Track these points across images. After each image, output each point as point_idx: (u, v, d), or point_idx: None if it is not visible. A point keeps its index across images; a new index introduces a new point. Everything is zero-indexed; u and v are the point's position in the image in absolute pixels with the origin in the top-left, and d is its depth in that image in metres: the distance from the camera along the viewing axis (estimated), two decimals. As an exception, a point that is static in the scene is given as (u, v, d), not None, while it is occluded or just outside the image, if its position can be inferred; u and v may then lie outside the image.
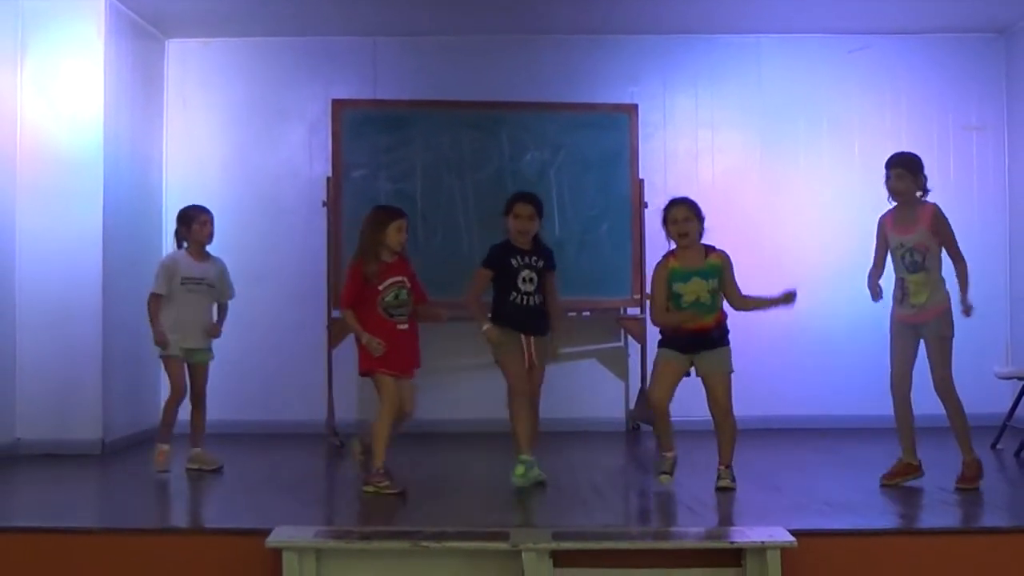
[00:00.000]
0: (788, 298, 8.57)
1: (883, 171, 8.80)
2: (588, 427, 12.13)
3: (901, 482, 8.67)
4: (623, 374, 12.48)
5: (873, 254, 8.91)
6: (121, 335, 11.15)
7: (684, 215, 8.61)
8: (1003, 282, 12.59)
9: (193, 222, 9.61)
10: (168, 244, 12.00)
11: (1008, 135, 12.72)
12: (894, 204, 8.81)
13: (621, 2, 11.64)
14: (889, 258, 8.88)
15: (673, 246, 8.72)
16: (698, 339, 8.59)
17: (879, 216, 8.91)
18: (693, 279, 8.56)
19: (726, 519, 7.80)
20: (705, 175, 12.72)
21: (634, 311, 12.06)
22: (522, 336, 8.81)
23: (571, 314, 11.95)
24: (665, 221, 8.72)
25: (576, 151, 12.04)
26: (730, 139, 12.83)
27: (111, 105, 11.07)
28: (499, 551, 6.67)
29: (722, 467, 8.62)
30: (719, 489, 8.48)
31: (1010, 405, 10.97)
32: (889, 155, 8.91)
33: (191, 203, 9.80)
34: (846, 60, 12.78)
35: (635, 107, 12.26)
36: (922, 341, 8.74)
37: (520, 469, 8.70)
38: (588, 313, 12.16)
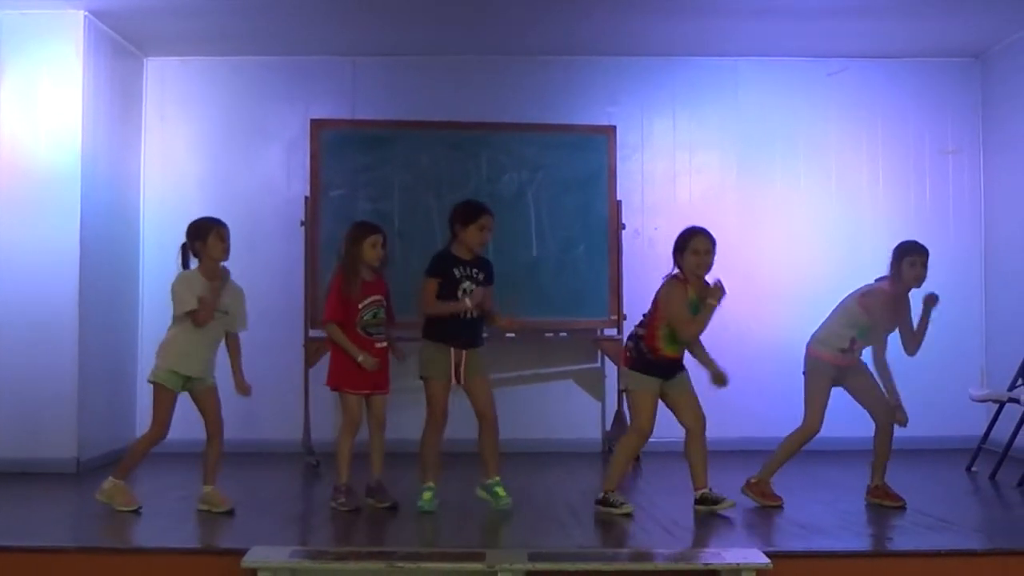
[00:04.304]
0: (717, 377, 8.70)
1: (898, 252, 8.96)
2: (564, 448, 12.13)
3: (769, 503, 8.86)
4: (600, 395, 12.44)
5: (877, 330, 8.92)
6: (97, 352, 11.17)
7: (707, 248, 8.64)
8: (978, 305, 12.68)
9: (209, 235, 8.60)
10: (146, 260, 12.24)
11: (983, 159, 12.80)
12: (900, 289, 8.91)
13: (600, 24, 11.63)
14: (840, 313, 9.05)
15: (675, 271, 8.71)
16: (674, 366, 8.71)
17: (882, 298, 8.89)
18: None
19: (702, 541, 7.84)
20: (683, 196, 12.75)
21: (611, 332, 12.01)
22: (452, 351, 8.73)
23: (548, 335, 12.08)
24: (683, 249, 8.65)
25: (554, 172, 12.05)
26: (708, 161, 12.85)
27: (89, 122, 11.08)
28: (475, 572, 6.66)
29: (708, 489, 8.69)
30: (719, 512, 8.54)
31: (985, 428, 11.04)
32: (908, 242, 9.03)
33: (205, 215, 8.87)
34: (823, 83, 12.84)
35: (613, 128, 12.27)
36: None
37: (428, 495, 8.74)
38: (565, 334, 12.17)
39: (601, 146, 12.17)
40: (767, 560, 6.75)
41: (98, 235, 11.23)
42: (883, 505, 8.80)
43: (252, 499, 9.28)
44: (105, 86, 11.51)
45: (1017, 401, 10.46)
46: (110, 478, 8.76)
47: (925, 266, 8.88)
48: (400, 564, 6.67)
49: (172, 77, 12.66)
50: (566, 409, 12.47)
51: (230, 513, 8.60)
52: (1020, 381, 10.72)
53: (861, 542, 7.78)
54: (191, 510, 8.68)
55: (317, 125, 11.88)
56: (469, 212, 8.84)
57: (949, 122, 12.90)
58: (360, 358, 8.71)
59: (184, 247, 8.74)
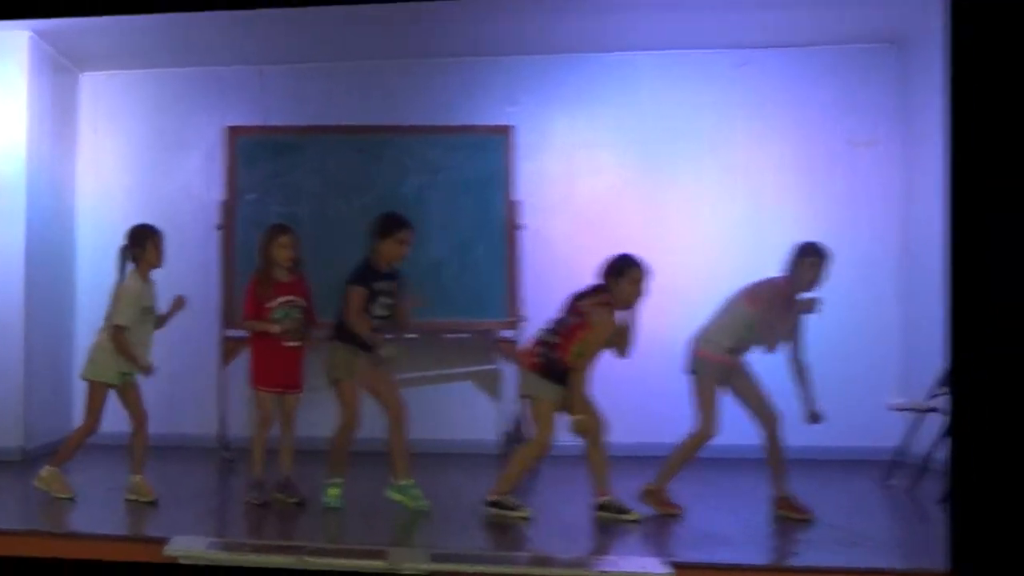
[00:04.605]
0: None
1: (798, 251, 8.86)
2: (462, 449, 12.17)
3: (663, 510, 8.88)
4: (497, 396, 12.52)
5: (778, 324, 8.78)
6: (41, 349, 11.90)
7: (643, 277, 8.63)
8: (895, 309, 12.13)
9: (147, 242, 9.14)
10: (81, 264, 12.80)
11: (904, 151, 12.16)
12: (792, 289, 8.79)
13: (499, 24, 11.72)
14: (727, 311, 8.98)
15: (597, 288, 8.70)
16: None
17: (771, 291, 8.85)
18: None
19: (601, 548, 7.99)
20: (584, 196, 12.58)
21: (508, 333, 12.02)
22: (361, 354, 8.88)
23: (448, 336, 12.28)
24: (621, 275, 8.62)
25: (453, 173, 12.23)
26: (609, 159, 12.64)
27: (34, 135, 11.81)
28: (377, 570, 6.97)
29: (611, 497, 8.76)
30: (633, 521, 8.57)
31: (901, 438, 10.64)
32: (809, 243, 8.89)
33: (143, 223, 9.40)
34: (728, 76, 12.47)
35: (510, 128, 12.30)
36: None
37: (335, 491, 9.04)
38: (467, 335, 12.35)
39: (499, 146, 12.25)
40: (667, 570, 6.90)
41: (41, 240, 11.96)
42: (789, 518, 8.64)
43: (172, 491, 9.69)
44: (47, 101, 12.18)
45: (937, 411, 10.05)
46: (47, 466, 9.42)
47: (824, 269, 8.70)
48: (308, 559, 7.07)
49: (102, 91, 13.12)
50: (465, 410, 12.53)
51: (153, 503, 9.16)
52: (940, 390, 10.08)
53: (767, 555, 7.88)
54: (119, 500, 9.23)
55: (233, 132, 12.31)
56: (388, 225, 8.92)
57: (862, 112, 12.31)
58: (277, 328, 9.20)
59: (123, 250, 9.23)
